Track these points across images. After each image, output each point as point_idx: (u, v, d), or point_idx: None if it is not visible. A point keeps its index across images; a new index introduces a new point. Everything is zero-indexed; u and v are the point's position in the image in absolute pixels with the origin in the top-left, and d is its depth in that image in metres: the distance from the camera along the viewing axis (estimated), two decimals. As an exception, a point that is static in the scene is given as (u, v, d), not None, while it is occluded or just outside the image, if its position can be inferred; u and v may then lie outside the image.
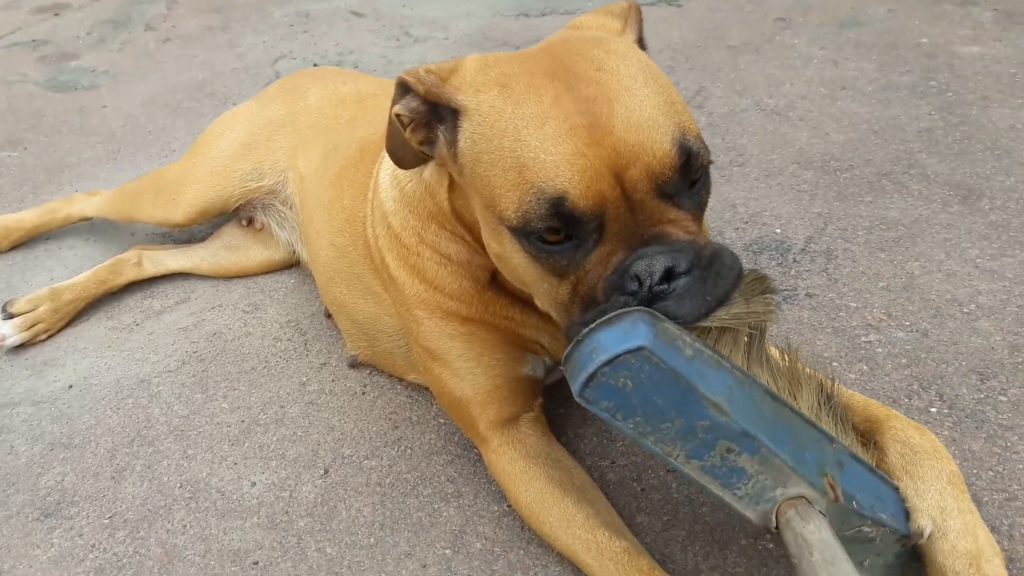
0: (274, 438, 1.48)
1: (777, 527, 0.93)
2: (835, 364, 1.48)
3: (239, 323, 1.80)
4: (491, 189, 1.00)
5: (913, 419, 1.31)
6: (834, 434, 0.99)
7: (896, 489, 1.03)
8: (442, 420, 1.48)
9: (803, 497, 0.92)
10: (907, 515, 1.01)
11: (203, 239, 2.04)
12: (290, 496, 1.36)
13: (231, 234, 1.97)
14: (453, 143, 1.06)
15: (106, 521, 1.36)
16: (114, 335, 1.82)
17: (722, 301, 0.93)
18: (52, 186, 2.43)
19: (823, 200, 1.98)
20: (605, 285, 0.95)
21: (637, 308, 0.90)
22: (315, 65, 3.18)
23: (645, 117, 0.94)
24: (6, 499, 1.42)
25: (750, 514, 0.94)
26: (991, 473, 1.24)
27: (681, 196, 0.97)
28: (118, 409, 1.60)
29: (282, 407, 1.55)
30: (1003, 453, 1.27)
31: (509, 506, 1.28)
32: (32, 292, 1.87)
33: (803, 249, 1.81)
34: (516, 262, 1.04)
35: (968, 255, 1.73)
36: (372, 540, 1.26)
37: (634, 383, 0.89)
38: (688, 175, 0.96)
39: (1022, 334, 1.50)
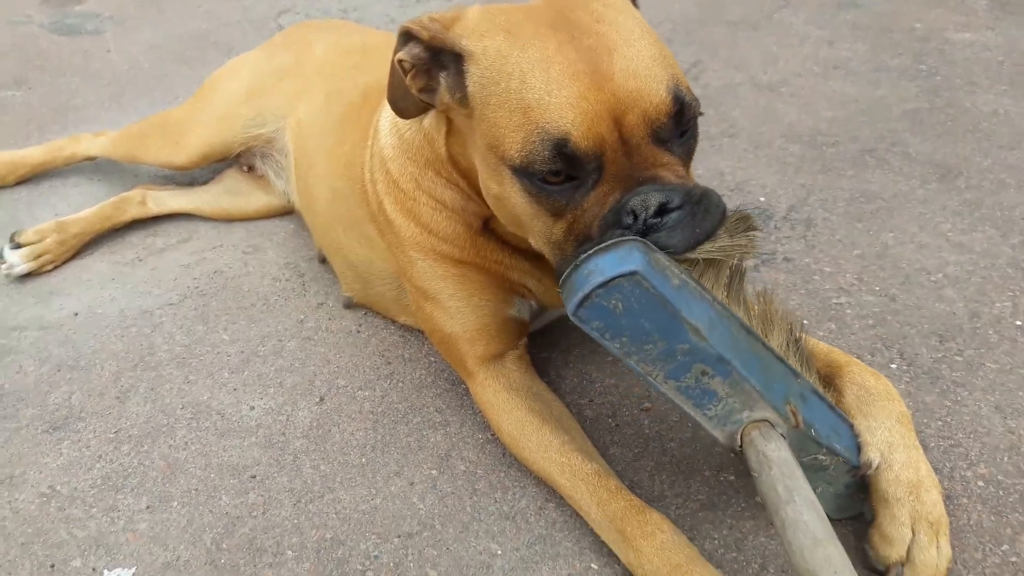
0: (272, 368, 1.56)
1: (741, 447, 1.02)
2: (806, 322, 1.57)
3: (239, 263, 1.87)
4: (496, 130, 1.07)
5: (874, 373, 1.41)
6: (799, 372, 1.08)
7: (851, 426, 1.12)
8: (432, 358, 1.56)
9: (767, 421, 1.02)
10: (859, 449, 1.10)
11: (205, 182, 2.10)
12: (287, 420, 1.44)
13: (233, 179, 2.04)
14: (456, 89, 1.13)
15: (112, 435, 1.44)
16: (118, 269, 1.89)
17: (709, 235, 1.02)
18: (57, 126, 2.48)
19: (807, 172, 2.06)
20: (600, 223, 1.03)
21: (632, 238, 0.98)
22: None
23: (643, 67, 1.02)
24: (16, 412, 1.50)
25: (718, 434, 1.04)
26: (940, 423, 1.33)
27: (673, 142, 1.05)
28: (122, 336, 1.67)
29: (280, 341, 1.63)
30: (952, 406, 1.36)
31: (492, 435, 1.37)
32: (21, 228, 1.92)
33: (784, 217, 1.89)
34: (515, 202, 1.11)
35: (940, 229, 1.81)
36: (364, 460, 1.35)
37: (624, 306, 0.97)
38: (680, 124, 1.04)
39: (983, 302, 1.59)
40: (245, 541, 1.24)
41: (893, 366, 1.46)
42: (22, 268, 1.84)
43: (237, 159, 1.97)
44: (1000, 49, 2.64)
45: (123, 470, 1.37)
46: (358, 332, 1.65)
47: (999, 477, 1.24)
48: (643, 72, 1.01)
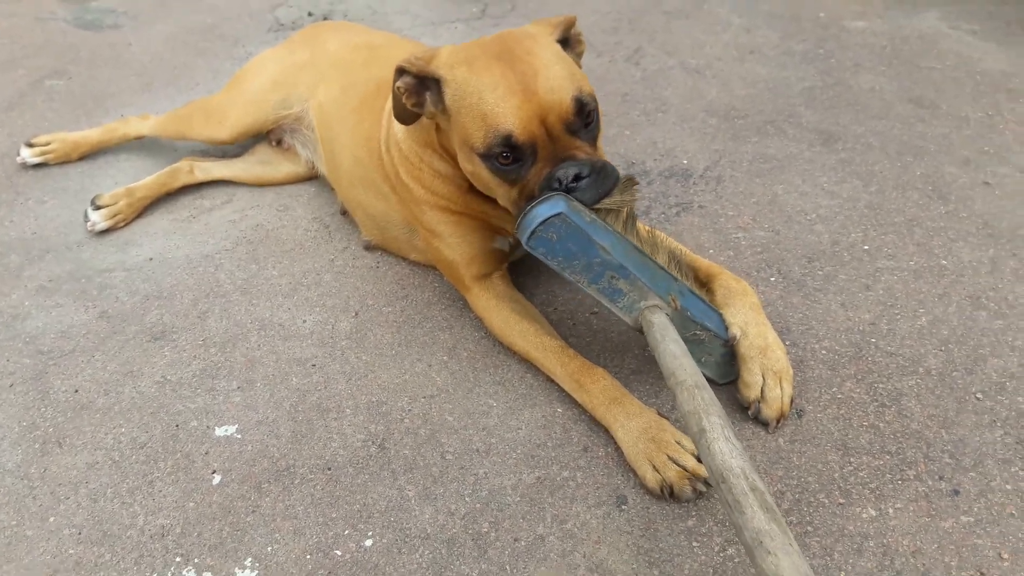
0: (315, 293, 2.07)
1: (641, 325, 1.56)
2: (711, 251, 2.12)
3: (275, 218, 2.37)
4: (466, 130, 1.60)
5: (758, 286, 1.97)
6: (678, 277, 1.60)
7: (719, 313, 1.66)
8: (436, 284, 2.08)
9: (656, 305, 1.57)
10: (726, 329, 1.64)
11: (236, 155, 2.58)
12: (332, 328, 1.95)
13: (263, 151, 2.52)
14: (437, 102, 1.66)
15: (200, 342, 1.94)
16: (176, 225, 2.37)
17: (607, 193, 1.55)
18: (100, 111, 2.93)
19: (721, 140, 2.60)
20: (540, 186, 1.55)
21: (558, 192, 1.51)
22: (310, 13, 3.69)
23: (556, 83, 1.54)
24: (123, 328, 1.99)
25: (627, 319, 1.59)
26: (800, 315, 1.90)
27: (580, 132, 1.57)
28: (192, 273, 2.16)
29: (318, 275, 2.14)
30: (811, 304, 1.93)
31: (485, 332, 1.90)
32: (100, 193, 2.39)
33: (701, 175, 2.43)
34: (484, 176, 1.64)
35: (818, 181, 2.37)
36: (393, 352, 1.87)
37: (557, 236, 1.51)
38: (583, 118, 1.56)
39: (842, 234, 2.15)
40: (314, 405, 1.76)
41: (772, 279, 2.01)
42: (102, 225, 2.32)
43: (268, 135, 2.46)
44: (885, 35, 3.21)
45: (214, 365, 1.87)
46: (377, 267, 2.16)
47: (836, 347, 1.81)
48: (556, 87, 1.54)
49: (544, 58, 1.57)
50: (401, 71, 1.66)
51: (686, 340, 1.57)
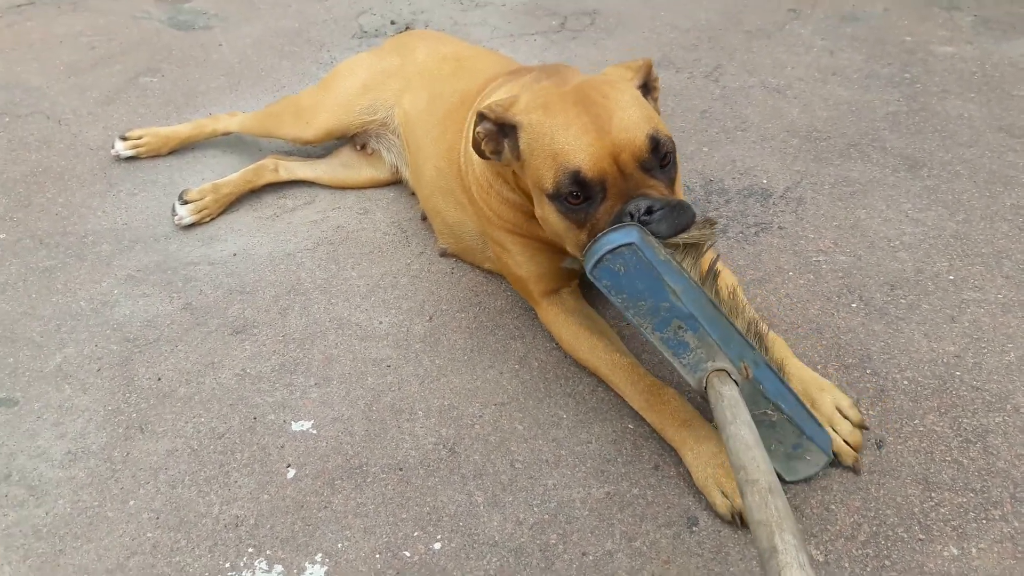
0: (392, 296, 2.10)
1: (706, 390, 1.43)
2: (790, 273, 2.08)
3: (355, 221, 2.42)
4: (538, 172, 1.59)
5: (838, 312, 1.94)
6: (755, 346, 1.45)
7: (796, 396, 1.47)
8: (508, 293, 2.10)
9: (724, 370, 1.42)
10: (804, 417, 1.49)
11: (321, 157, 2.64)
12: (407, 330, 1.98)
13: (347, 155, 2.58)
14: (513, 148, 1.66)
15: (280, 338, 1.99)
16: (260, 222, 2.44)
17: (685, 227, 1.45)
18: (190, 108, 3.03)
19: (803, 161, 2.56)
20: (609, 223, 1.49)
21: (632, 223, 1.44)
22: (392, 22, 3.76)
23: (631, 123, 1.52)
24: (206, 321, 2.05)
25: (690, 379, 1.45)
26: (882, 344, 1.85)
27: (655, 171, 1.54)
28: (274, 270, 2.22)
29: (395, 278, 2.17)
30: (893, 333, 1.88)
31: (555, 344, 1.91)
32: (188, 188, 2.47)
33: (781, 196, 2.40)
34: (552, 220, 1.62)
35: (903, 208, 2.32)
36: (465, 357, 1.89)
37: (625, 268, 1.41)
38: (658, 156, 1.53)
39: (927, 262, 2.09)
40: (387, 405, 1.78)
41: (854, 305, 1.97)
42: (189, 219, 2.39)
43: (352, 139, 2.51)
44: (975, 61, 3.12)
45: (293, 361, 1.92)
46: (452, 273, 2.18)
47: (918, 378, 1.76)
48: (631, 126, 1.52)
49: (620, 101, 1.56)
50: (481, 117, 1.67)
51: (755, 419, 1.39)
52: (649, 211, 1.45)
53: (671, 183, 1.57)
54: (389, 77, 2.43)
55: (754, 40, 3.41)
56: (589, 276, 1.45)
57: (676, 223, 1.45)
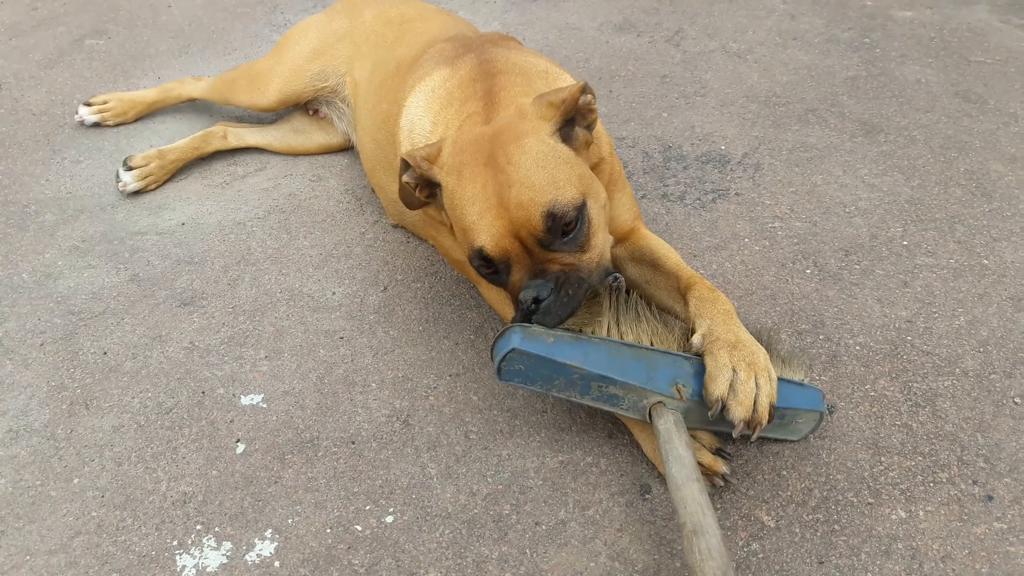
0: (345, 266, 2.06)
1: (652, 422, 1.46)
2: (746, 240, 2.08)
3: (308, 188, 2.36)
4: (458, 233, 1.56)
5: (793, 278, 1.94)
6: (690, 355, 1.46)
7: None
8: (465, 261, 2.07)
9: (661, 402, 1.44)
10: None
11: (272, 122, 2.57)
12: (361, 301, 1.95)
13: (299, 120, 2.51)
14: (440, 201, 1.61)
15: (230, 309, 1.94)
16: (209, 190, 2.37)
17: (573, 311, 1.45)
18: (138, 71, 2.93)
19: (761, 126, 2.55)
20: (518, 295, 1.48)
21: (515, 324, 1.44)
22: (349, -18, 3.65)
23: (527, 198, 1.44)
24: (153, 293, 2.00)
25: (637, 417, 1.48)
26: (836, 309, 1.86)
27: (556, 243, 1.48)
28: (224, 240, 2.16)
29: (349, 247, 2.13)
30: (847, 299, 1.89)
31: (513, 313, 1.88)
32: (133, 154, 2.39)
33: (739, 161, 2.39)
34: (474, 275, 1.62)
35: (859, 173, 2.32)
36: (420, 328, 1.86)
37: (524, 366, 1.43)
38: (558, 232, 1.47)
39: (881, 228, 2.10)
40: (340, 378, 1.75)
41: (808, 271, 1.97)
42: (133, 186, 2.32)
43: (306, 105, 2.44)
44: (933, 26, 3.12)
45: (243, 333, 1.88)
46: (407, 242, 2.15)
47: (871, 343, 1.77)
48: (527, 202, 1.44)
49: (522, 166, 1.47)
50: (406, 165, 1.61)
51: (713, 423, 1.46)
52: (536, 300, 1.44)
53: (580, 247, 1.50)
54: (339, 40, 2.36)
55: (716, 3, 3.37)
56: (500, 381, 1.48)
57: (563, 311, 1.45)
